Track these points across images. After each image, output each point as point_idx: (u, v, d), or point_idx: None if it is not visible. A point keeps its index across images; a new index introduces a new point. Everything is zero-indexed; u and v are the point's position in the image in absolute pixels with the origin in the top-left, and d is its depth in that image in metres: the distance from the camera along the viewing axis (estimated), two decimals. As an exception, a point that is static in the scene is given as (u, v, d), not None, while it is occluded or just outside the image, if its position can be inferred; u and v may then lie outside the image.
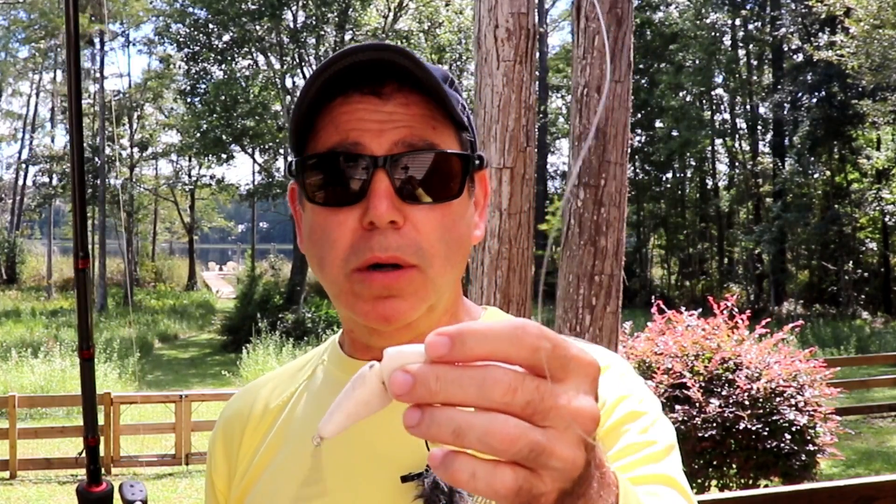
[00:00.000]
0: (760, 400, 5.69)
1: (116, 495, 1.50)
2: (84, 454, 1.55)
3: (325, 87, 0.75)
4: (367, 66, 0.74)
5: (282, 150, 24.68)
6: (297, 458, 0.83)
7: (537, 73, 2.89)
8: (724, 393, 5.75)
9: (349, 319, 0.82)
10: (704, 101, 29.35)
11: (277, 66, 23.61)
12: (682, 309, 6.70)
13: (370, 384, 0.43)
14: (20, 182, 35.70)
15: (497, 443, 0.39)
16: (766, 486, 5.75)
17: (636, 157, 28.45)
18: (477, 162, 0.81)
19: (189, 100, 23.97)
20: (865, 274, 25.57)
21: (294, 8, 22.86)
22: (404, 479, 0.74)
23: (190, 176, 33.91)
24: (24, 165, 34.74)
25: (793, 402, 5.74)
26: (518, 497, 0.40)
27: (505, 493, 0.40)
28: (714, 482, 5.89)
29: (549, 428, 0.41)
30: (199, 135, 22.85)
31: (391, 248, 0.74)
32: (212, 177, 27.71)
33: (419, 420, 0.41)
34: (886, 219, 23.52)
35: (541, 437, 0.40)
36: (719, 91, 29.50)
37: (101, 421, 8.52)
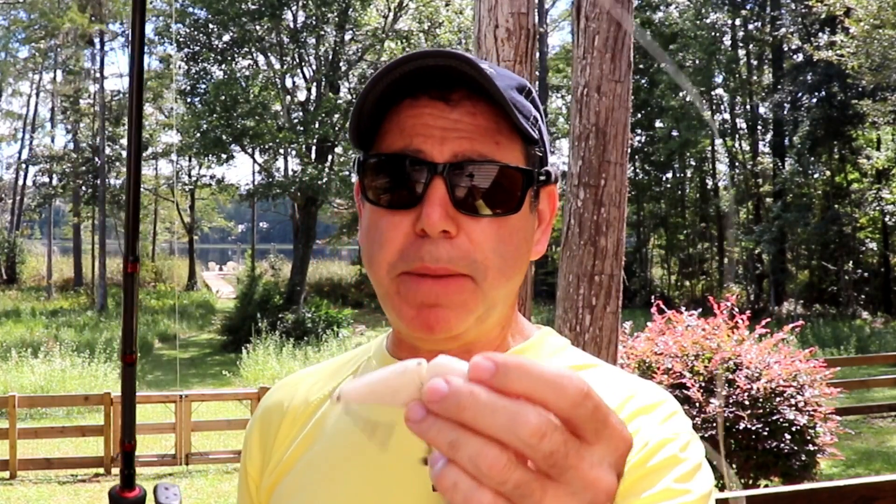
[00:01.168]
0: (760, 400, 5.70)
1: (150, 498, 1.49)
2: (119, 457, 1.56)
3: (392, 87, 0.75)
4: (435, 70, 0.73)
5: (282, 151, 24.66)
6: (332, 454, 0.83)
7: (537, 73, 2.89)
8: (724, 393, 5.75)
9: (395, 322, 0.81)
10: (704, 101, 29.35)
11: (277, 66, 23.60)
12: (682, 309, 6.70)
13: (408, 378, 0.43)
14: (20, 182, 35.71)
15: (485, 467, 0.39)
16: (766, 486, 5.75)
17: (636, 157, 28.44)
18: (543, 178, 0.80)
19: (189, 100, 23.96)
20: (865, 274, 25.57)
21: (294, 8, 22.85)
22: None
23: (190, 176, 33.91)
24: (24, 165, 34.74)
25: (793, 402, 5.74)
26: None
27: None
28: (714, 482, 5.89)
29: (558, 483, 0.40)
30: (199, 135, 22.83)
31: (442, 258, 0.73)
32: (212, 177, 27.66)
33: (422, 418, 0.40)
34: (886, 219, 23.52)
35: (534, 484, 0.39)
36: (719, 91, 29.50)
37: (101, 421, 8.54)
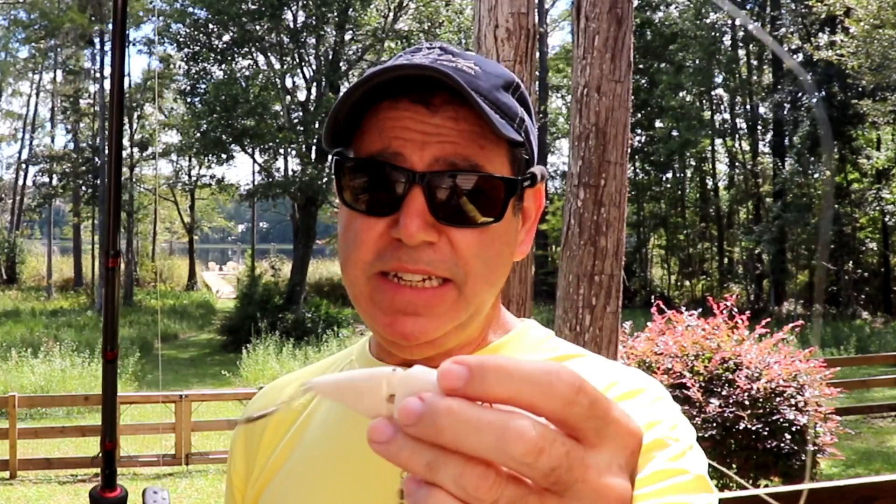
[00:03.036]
0: (760, 400, 5.70)
1: (136, 501, 1.49)
2: (100, 457, 1.55)
3: (373, 90, 0.72)
4: (417, 77, 0.71)
5: (282, 150, 24.68)
6: (311, 463, 0.82)
7: (537, 73, 2.89)
8: (724, 393, 5.75)
9: (370, 326, 0.78)
10: (704, 101, 29.36)
11: (277, 66, 23.61)
12: (682, 309, 6.70)
13: (374, 383, 0.38)
14: (20, 182, 35.71)
15: (472, 488, 0.33)
16: (766, 486, 5.75)
17: (636, 157, 28.45)
18: (527, 183, 0.77)
19: (189, 100, 23.97)
20: (865, 274, 25.57)
21: (294, 8, 22.86)
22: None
23: (190, 176, 33.92)
24: (24, 165, 34.75)
25: (793, 402, 5.74)
26: None
27: None
28: (714, 482, 5.89)
29: (561, 497, 0.34)
30: (199, 135, 22.85)
31: (421, 261, 0.71)
32: (212, 177, 27.68)
33: (390, 438, 0.34)
34: (886, 219, 23.52)
35: (531, 497, 0.34)
36: (719, 91, 29.51)
37: (100, 421, 8.53)
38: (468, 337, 0.78)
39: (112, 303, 1.52)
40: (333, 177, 0.79)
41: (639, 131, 27.87)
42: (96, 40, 27.12)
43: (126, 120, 29.64)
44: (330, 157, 0.80)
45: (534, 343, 0.83)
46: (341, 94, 0.73)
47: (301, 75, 24.22)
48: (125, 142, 30.02)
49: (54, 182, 30.54)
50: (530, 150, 0.80)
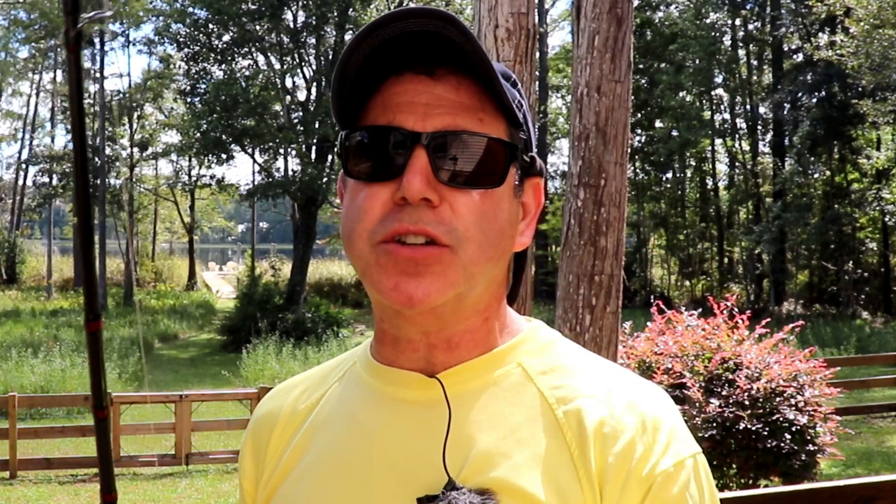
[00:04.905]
0: (760, 400, 5.70)
1: None
2: None
3: (376, 57, 0.74)
4: (418, 36, 0.73)
5: (282, 150, 24.67)
6: (321, 464, 0.82)
7: (537, 73, 2.89)
8: (724, 393, 5.75)
9: (377, 303, 0.80)
10: (704, 101, 29.35)
11: (277, 66, 23.60)
12: (682, 309, 6.70)
13: None
14: (20, 182, 35.70)
15: None
16: (766, 486, 5.75)
17: (636, 157, 28.45)
18: (527, 159, 0.80)
19: (189, 100, 23.96)
20: (865, 274, 25.56)
21: (294, 8, 22.86)
22: (420, 500, 0.73)
23: (190, 176, 33.91)
24: (24, 165, 34.74)
25: (793, 402, 5.74)
26: None
27: None
28: (714, 482, 5.90)
29: None
30: (199, 135, 22.83)
31: (422, 221, 0.73)
32: (212, 177, 27.65)
33: None
34: (886, 219, 23.51)
35: None
36: (719, 91, 29.50)
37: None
38: (467, 320, 0.79)
39: (98, 364, 1.50)
40: (340, 153, 0.81)
41: (639, 131, 27.85)
42: (96, 40, 27.12)
43: (126, 120, 29.66)
44: (339, 137, 0.82)
45: (541, 346, 0.83)
46: (346, 50, 0.74)
47: (301, 75, 24.21)
48: (125, 142, 30.06)
49: (54, 182, 30.54)
50: (529, 136, 0.82)
